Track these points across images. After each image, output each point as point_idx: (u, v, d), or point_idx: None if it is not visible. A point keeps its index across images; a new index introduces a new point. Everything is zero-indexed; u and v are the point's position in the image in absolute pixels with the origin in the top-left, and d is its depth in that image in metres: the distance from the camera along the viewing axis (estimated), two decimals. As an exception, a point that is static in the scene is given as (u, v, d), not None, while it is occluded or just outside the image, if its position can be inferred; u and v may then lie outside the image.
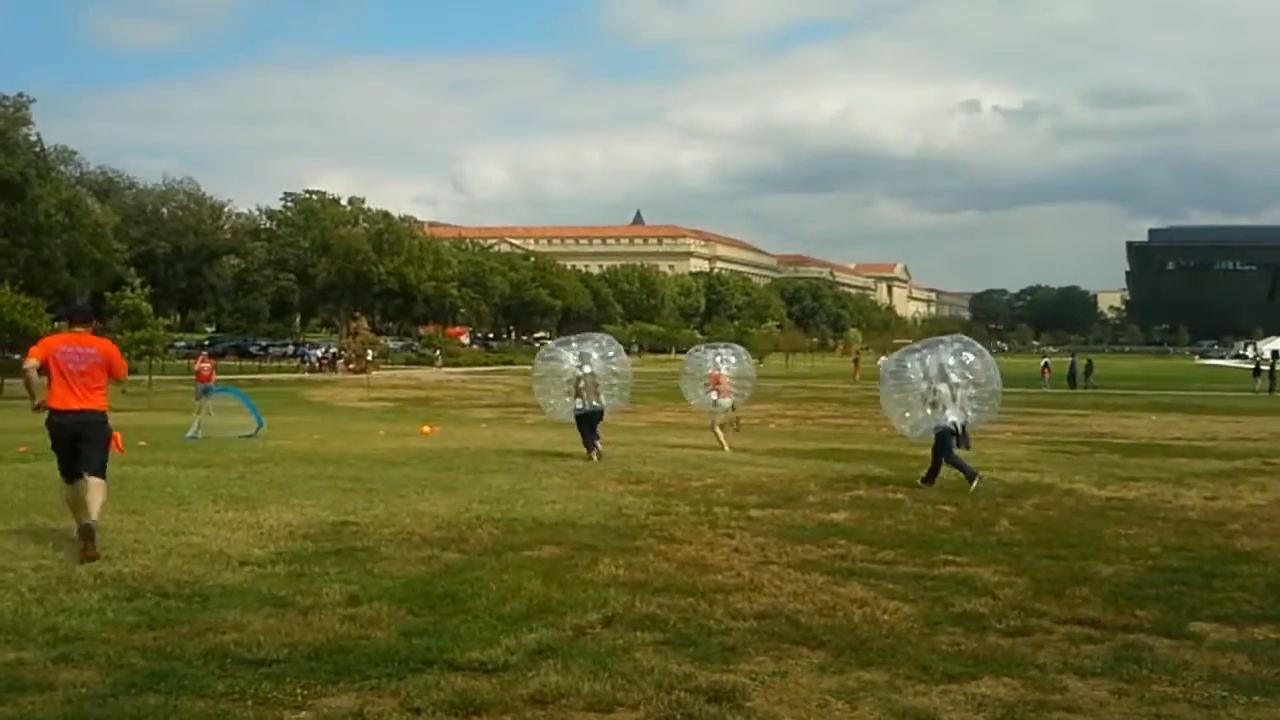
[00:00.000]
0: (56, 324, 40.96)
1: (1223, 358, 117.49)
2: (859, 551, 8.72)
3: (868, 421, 28.20)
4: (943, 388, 13.36)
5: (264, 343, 77.41)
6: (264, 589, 6.96)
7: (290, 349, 74.85)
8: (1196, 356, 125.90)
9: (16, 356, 37.81)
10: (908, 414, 13.89)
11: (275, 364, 64.94)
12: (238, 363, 59.51)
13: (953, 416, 13.33)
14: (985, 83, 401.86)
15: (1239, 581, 7.75)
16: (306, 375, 57.62)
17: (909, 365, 13.89)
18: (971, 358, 13.87)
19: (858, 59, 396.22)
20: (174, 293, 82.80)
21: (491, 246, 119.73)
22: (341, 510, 10.24)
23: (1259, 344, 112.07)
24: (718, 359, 19.64)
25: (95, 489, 8.02)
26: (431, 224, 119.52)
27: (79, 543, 7.81)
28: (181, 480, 12.41)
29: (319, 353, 67.94)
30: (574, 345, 17.34)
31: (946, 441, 13.30)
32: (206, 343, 63.38)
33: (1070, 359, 60.06)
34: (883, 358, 15.40)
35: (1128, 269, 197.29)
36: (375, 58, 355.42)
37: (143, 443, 16.48)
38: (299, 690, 5.00)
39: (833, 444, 20.29)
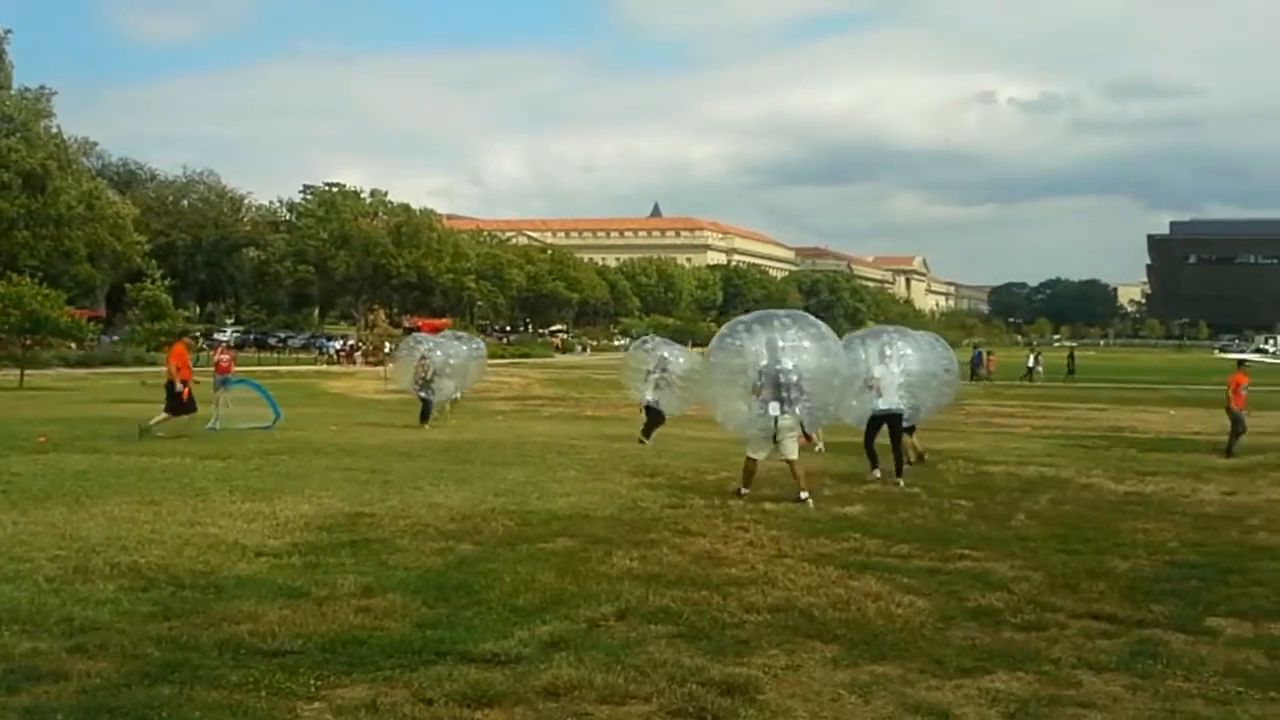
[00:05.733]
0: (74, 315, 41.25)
1: (1243, 351, 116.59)
2: (873, 545, 8.71)
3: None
4: (879, 371, 13.16)
5: (283, 334, 77.70)
6: (279, 580, 7.00)
7: (308, 340, 75.03)
8: (1217, 350, 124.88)
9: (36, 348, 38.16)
10: (853, 402, 13.29)
11: (294, 356, 65.16)
12: (256, 354, 59.69)
13: (890, 402, 13.16)
14: (1002, 75, 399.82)
15: (1256, 577, 7.72)
16: (325, 367, 57.79)
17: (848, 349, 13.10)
18: (908, 349, 13.77)
19: (873, 51, 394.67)
20: (193, 284, 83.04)
21: (509, 239, 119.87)
22: (357, 502, 10.28)
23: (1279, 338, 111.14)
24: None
25: None
26: (450, 217, 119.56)
27: None
28: (199, 471, 12.47)
29: (337, 345, 68.13)
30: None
31: (874, 429, 13.27)
32: (221, 335, 63.71)
33: (1070, 353, 59.83)
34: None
35: (1148, 262, 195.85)
36: (393, 52, 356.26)
37: (160, 433, 16.57)
38: (313, 681, 5.03)
39: (846, 437, 20.20)
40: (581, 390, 38.87)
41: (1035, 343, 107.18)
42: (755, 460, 11.44)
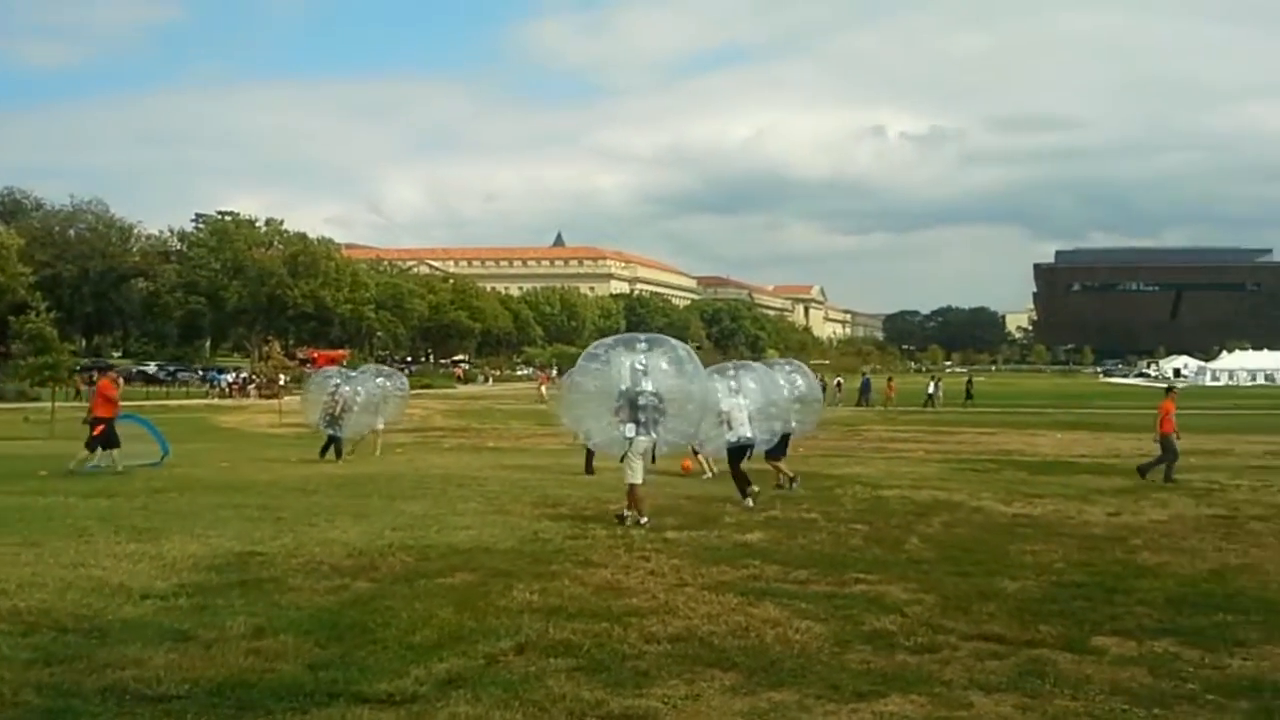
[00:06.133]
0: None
1: (1125, 376, 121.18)
2: (773, 572, 8.79)
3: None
4: (727, 405, 13.72)
5: (172, 367, 75.42)
6: (166, 622, 6.77)
7: (197, 374, 72.81)
8: (1101, 375, 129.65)
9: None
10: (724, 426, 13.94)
11: (184, 389, 63.27)
12: (144, 389, 57.75)
13: (741, 434, 13.81)
14: (893, 109, 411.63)
15: (1139, 596, 7.97)
16: (216, 401, 56.24)
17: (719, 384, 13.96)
18: (750, 382, 14.50)
19: (768, 85, 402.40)
20: (80, 317, 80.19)
21: (410, 268, 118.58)
22: (248, 540, 10.01)
23: (1161, 362, 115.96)
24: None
25: None
26: (348, 246, 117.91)
27: None
28: (82, 511, 12.02)
29: (229, 377, 66.41)
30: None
31: (737, 459, 13.88)
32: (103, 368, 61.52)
33: (968, 379, 61.69)
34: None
35: (1034, 290, 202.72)
36: (290, 79, 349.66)
37: (43, 472, 15.93)
38: (199, 727, 4.86)
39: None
40: (484, 421, 38.56)
41: (935, 370, 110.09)
42: (637, 485, 11.64)
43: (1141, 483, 16.53)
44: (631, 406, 11.44)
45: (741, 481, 13.64)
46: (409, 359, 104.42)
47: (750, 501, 13.21)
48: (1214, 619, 7.17)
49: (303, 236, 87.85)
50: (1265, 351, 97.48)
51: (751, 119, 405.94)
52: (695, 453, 15.95)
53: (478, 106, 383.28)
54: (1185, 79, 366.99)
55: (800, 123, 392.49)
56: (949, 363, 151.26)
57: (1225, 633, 6.80)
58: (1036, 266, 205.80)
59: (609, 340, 12.68)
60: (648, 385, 11.50)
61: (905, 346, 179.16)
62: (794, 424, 15.83)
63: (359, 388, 21.43)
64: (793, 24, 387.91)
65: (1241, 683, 5.75)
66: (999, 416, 40.81)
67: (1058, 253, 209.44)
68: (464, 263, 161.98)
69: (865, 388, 53.38)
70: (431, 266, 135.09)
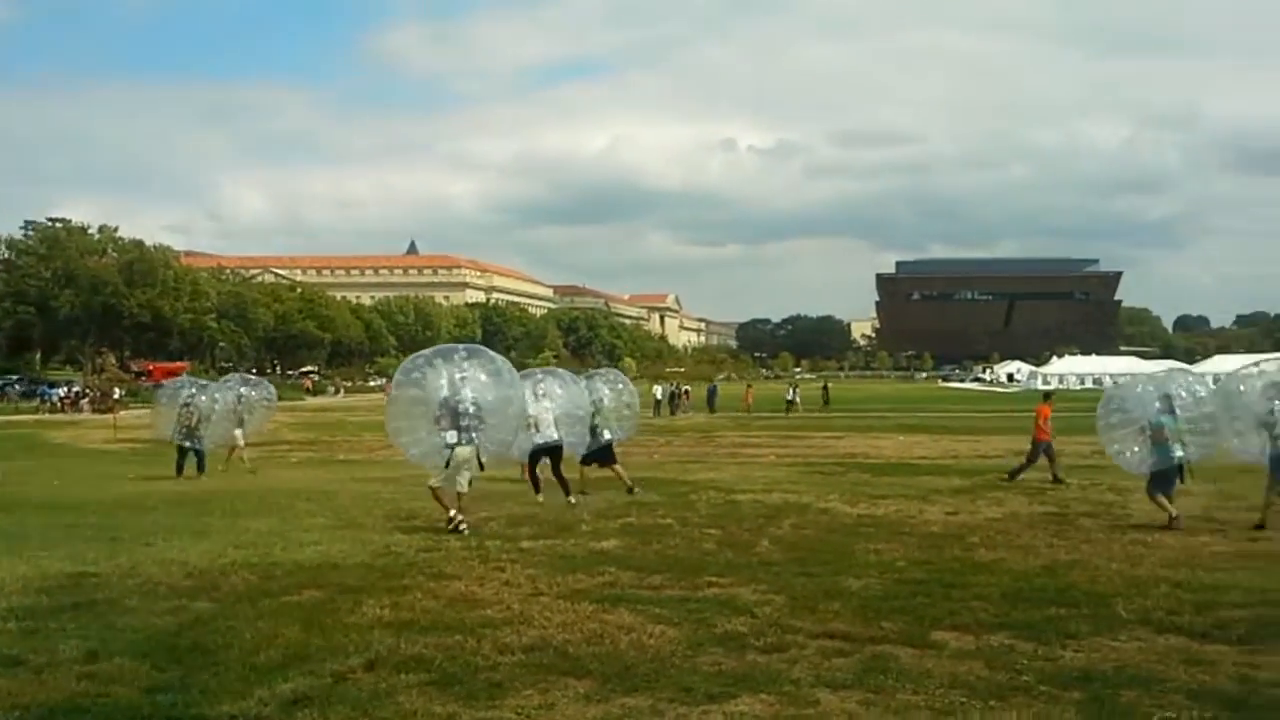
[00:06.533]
0: None
1: (963, 381, 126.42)
2: (627, 578, 8.86)
3: (639, 449, 28.69)
4: (534, 409, 14.25)
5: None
6: (-10, 650, 6.39)
7: (15, 387, 68.64)
8: (940, 380, 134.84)
9: None
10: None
11: (13, 405, 59.72)
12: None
13: (547, 436, 14.54)
14: (742, 123, 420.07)
15: (976, 591, 8.32)
16: (47, 416, 53.26)
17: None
18: (556, 387, 15.25)
19: (621, 97, 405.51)
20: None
21: (254, 277, 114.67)
22: (81, 560, 9.55)
23: (996, 368, 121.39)
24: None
25: None
26: (188, 254, 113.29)
27: None
28: (-107, 536, 11.22)
29: (61, 391, 62.98)
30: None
31: (536, 459, 14.68)
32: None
33: (824, 384, 63.78)
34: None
35: (877, 299, 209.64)
36: (126, 83, 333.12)
37: None
38: (26, 759, 4.61)
39: (603, 472, 20.49)
40: (334, 433, 37.55)
41: (792, 377, 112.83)
42: (440, 488, 11.97)
43: (977, 482, 17.26)
44: (453, 415, 11.78)
45: (535, 482, 14.68)
46: (254, 370, 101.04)
47: (541, 497, 14.26)
48: (1047, 613, 7.50)
49: (139, 244, 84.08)
50: (1093, 356, 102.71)
51: (606, 129, 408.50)
52: (614, 465, 16.23)
53: (326, 113, 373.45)
54: (1018, 96, 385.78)
55: (653, 134, 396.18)
56: (798, 369, 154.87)
57: (1057, 626, 7.11)
58: (879, 276, 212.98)
59: (427, 352, 12.98)
60: (468, 394, 11.87)
61: (757, 354, 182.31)
62: (619, 431, 16.63)
63: (216, 395, 20.66)
64: (645, 37, 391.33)
65: (1073, 674, 6.02)
66: (846, 421, 42.06)
67: (898, 263, 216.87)
68: (312, 271, 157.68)
69: (711, 395, 54.71)
70: (277, 275, 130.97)
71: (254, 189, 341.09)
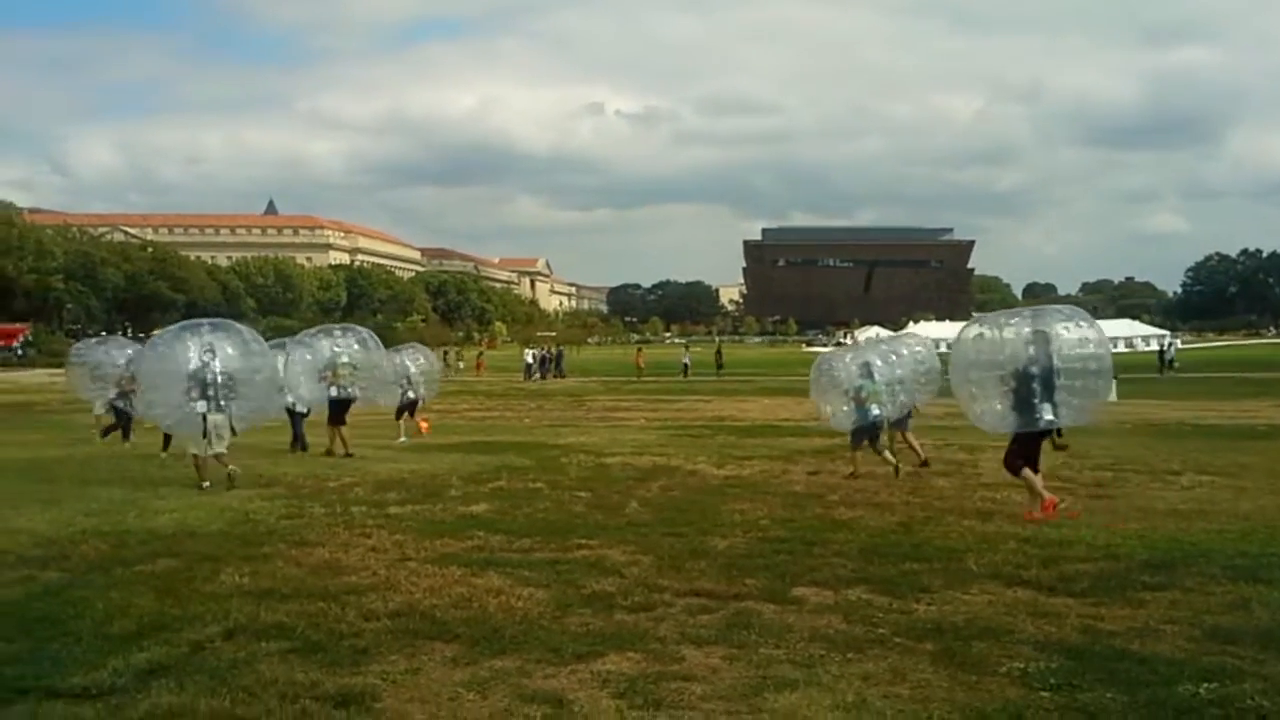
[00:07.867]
0: None
1: (825, 345, 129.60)
2: (497, 542, 8.84)
3: (510, 413, 28.59)
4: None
5: None
6: None
7: None
8: (804, 345, 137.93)
9: None
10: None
11: None
12: None
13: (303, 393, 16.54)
14: (609, 88, 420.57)
15: (836, 548, 8.56)
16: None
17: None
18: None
19: (488, 59, 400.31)
20: None
21: (103, 235, 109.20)
22: (-86, 534, 9.00)
23: (855, 332, 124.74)
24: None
25: None
26: (32, 211, 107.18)
27: None
28: None
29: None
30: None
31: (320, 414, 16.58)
32: None
33: (717, 349, 64.94)
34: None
35: (744, 265, 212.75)
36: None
37: None
38: None
39: (475, 437, 20.37)
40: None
41: (685, 341, 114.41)
42: (197, 455, 12.47)
43: (837, 443, 17.72)
44: (202, 385, 12.27)
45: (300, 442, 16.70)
46: (104, 333, 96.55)
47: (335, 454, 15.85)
48: (902, 568, 7.76)
49: (-24, 199, 79.22)
50: (947, 322, 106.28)
51: (474, 90, 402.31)
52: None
53: (176, 64, 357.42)
54: (877, 69, 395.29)
55: (522, 97, 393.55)
56: (668, 334, 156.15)
57: (912, 580, 7.36)
58: (745, 243, 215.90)
59: (172, 328, 13.65)
60: (217, 365, 12.37)
61: (628, 318, 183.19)
62: (421, 392, 19.26)
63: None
64: (509, 2, 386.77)
65: (926, 626, 6.24)
66: (712, 385, 42.67)
67: (764, 230, 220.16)
68: (165, 230, 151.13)
69: (558, 359, 55.83)
70: (128, 233, 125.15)
71: (101, 143, 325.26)
